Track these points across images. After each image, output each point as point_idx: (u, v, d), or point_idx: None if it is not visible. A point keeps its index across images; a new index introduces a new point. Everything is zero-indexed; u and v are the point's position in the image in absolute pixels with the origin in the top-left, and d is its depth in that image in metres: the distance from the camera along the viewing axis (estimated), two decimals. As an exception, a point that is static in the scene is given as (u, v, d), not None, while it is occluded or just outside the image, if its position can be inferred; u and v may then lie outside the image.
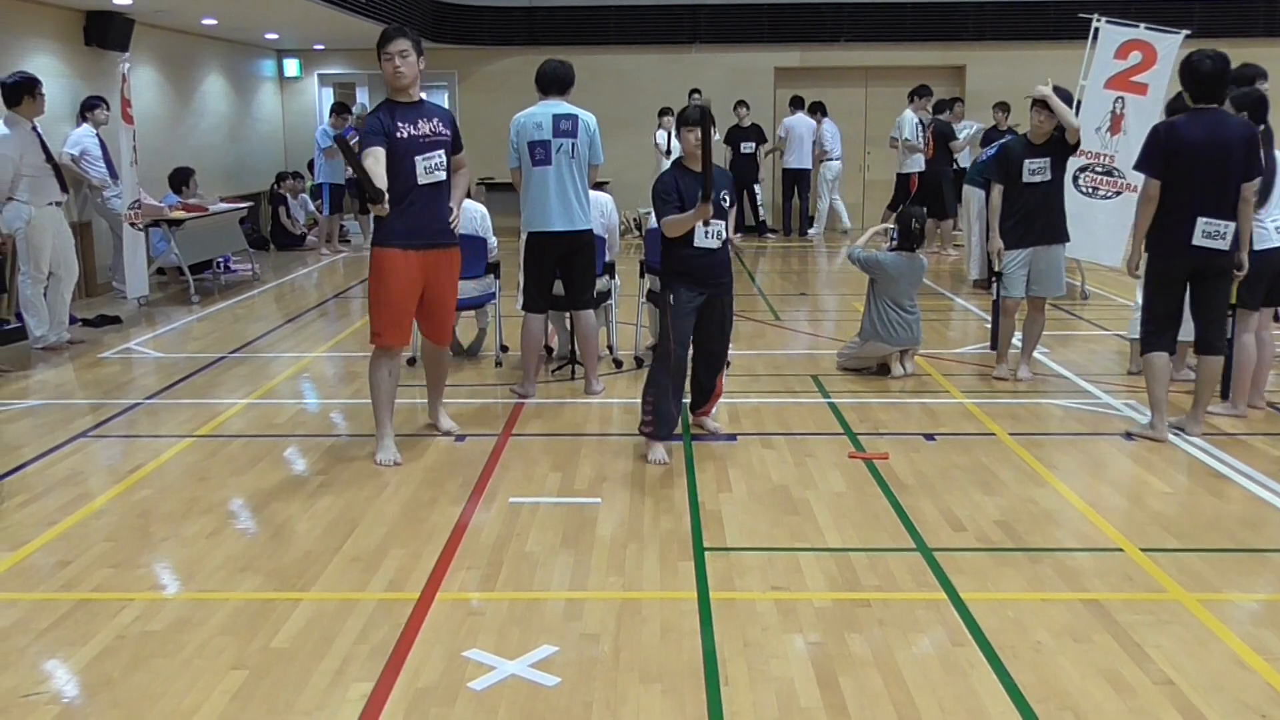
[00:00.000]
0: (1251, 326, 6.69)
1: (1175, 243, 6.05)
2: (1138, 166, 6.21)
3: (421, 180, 5.71)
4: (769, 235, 16.68)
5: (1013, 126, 13.28)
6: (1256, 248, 6.41)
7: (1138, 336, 7.42)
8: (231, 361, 8.50)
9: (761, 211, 16.65)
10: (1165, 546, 4.76)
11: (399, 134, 5.64)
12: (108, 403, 7.26)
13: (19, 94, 8.41)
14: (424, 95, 5.96)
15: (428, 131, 5.74)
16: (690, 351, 6.07)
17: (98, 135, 10.77)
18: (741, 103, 16.27)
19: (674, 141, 13.12)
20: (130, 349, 9.01)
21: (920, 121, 14.62)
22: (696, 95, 15.43)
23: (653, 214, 6.04)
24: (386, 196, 5.48)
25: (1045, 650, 3.82)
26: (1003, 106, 13.71)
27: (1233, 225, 6.02)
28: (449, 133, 5.87)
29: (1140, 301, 6.47)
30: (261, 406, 7.18)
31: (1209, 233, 5.99)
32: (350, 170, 14.61)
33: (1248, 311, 6.66)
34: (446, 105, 17.57)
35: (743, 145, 16.24)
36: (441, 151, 5.77)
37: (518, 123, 6.99)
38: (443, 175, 5.80)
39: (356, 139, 5.77)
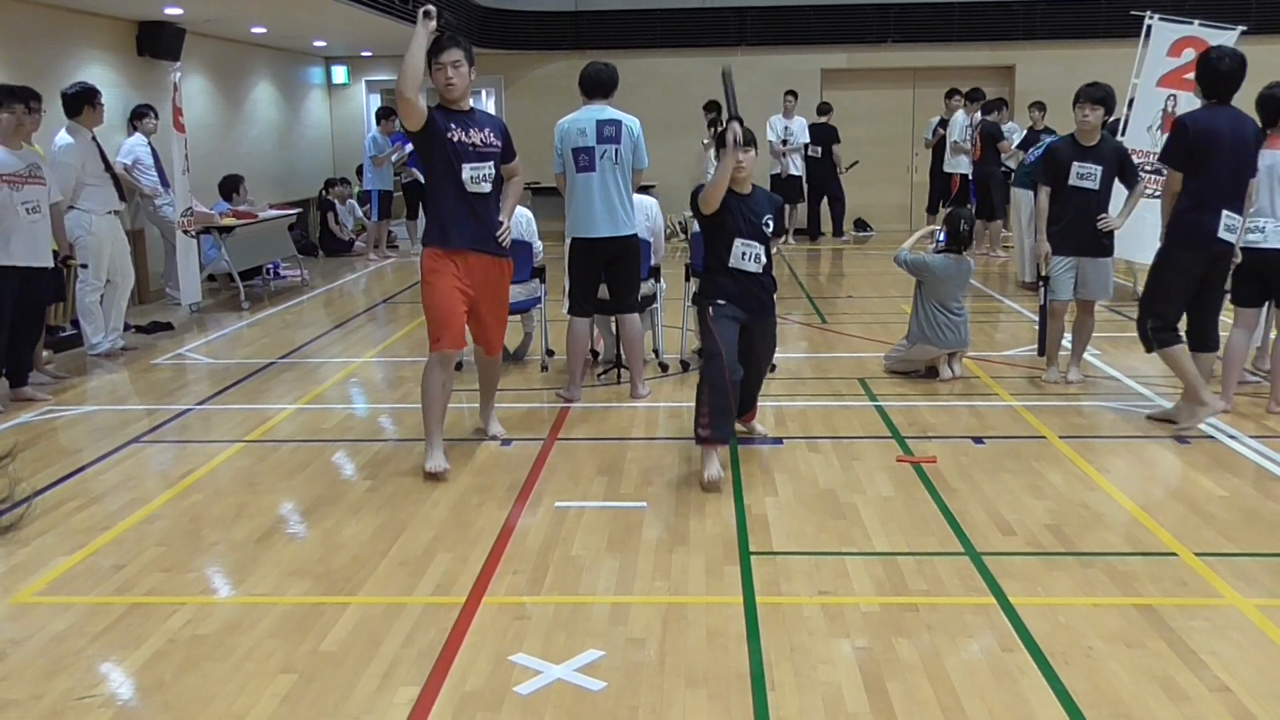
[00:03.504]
0: (1244, 323, 6.78)
1: (1203, 234, 6.13)
2: (1163, 158, 6.31)
3: (469, 189, 5.66)
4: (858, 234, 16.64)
5: (1049, 127, 13.21)
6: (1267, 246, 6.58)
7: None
8: (281, 367, 8.59)
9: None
10: (1221, 550, 4.68)
11: (450, 135, 5.60)
12: (161, 408, 7.35)
13: (79, 104, 8.56)
14: (473, 105, 5.91)
15: (478, 141, 5.69)
16: (736, 360, 5.76)
17: (149, 144, 10.93)
18: (825, 104, 16.24)
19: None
20: (182, 355, 9.12)
21: (969, 123, 14.55)
22: (790, 98, 15.40)
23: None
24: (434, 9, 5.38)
25: (1097, 656, 3.77)
26: (1039, 106, 13.61)
27: (1239, 220, 6.24)
28: (500, 144, 5.81)
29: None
30: (310, 411, 7.25)
31: (1229, 226, 6.19)
32: (400, 173, 14.81)
33: (1243, 309, 6.76)
34: (493, 110, 17.70)
35: (810, 149, 16.07)
36: (491, 163, 5.73)
37: (561, 128, 7.01)
38: (489, 187, 5.73)
39: (409, 149, 5.75)
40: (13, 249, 7.31)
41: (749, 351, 5.82)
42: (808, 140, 15.88)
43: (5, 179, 7.31)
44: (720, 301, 5.68)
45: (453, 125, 5.62)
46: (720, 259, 5.69)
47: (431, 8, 5.37)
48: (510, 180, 5.98)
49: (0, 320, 7.28)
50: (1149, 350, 6.40)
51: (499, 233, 5.81)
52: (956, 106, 14.87)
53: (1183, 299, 6.29)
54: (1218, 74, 6.13)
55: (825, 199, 16.39)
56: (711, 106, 15.07)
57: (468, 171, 5.64)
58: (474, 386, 6.59)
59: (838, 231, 16.51)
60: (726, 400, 5.56)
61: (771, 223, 5.82)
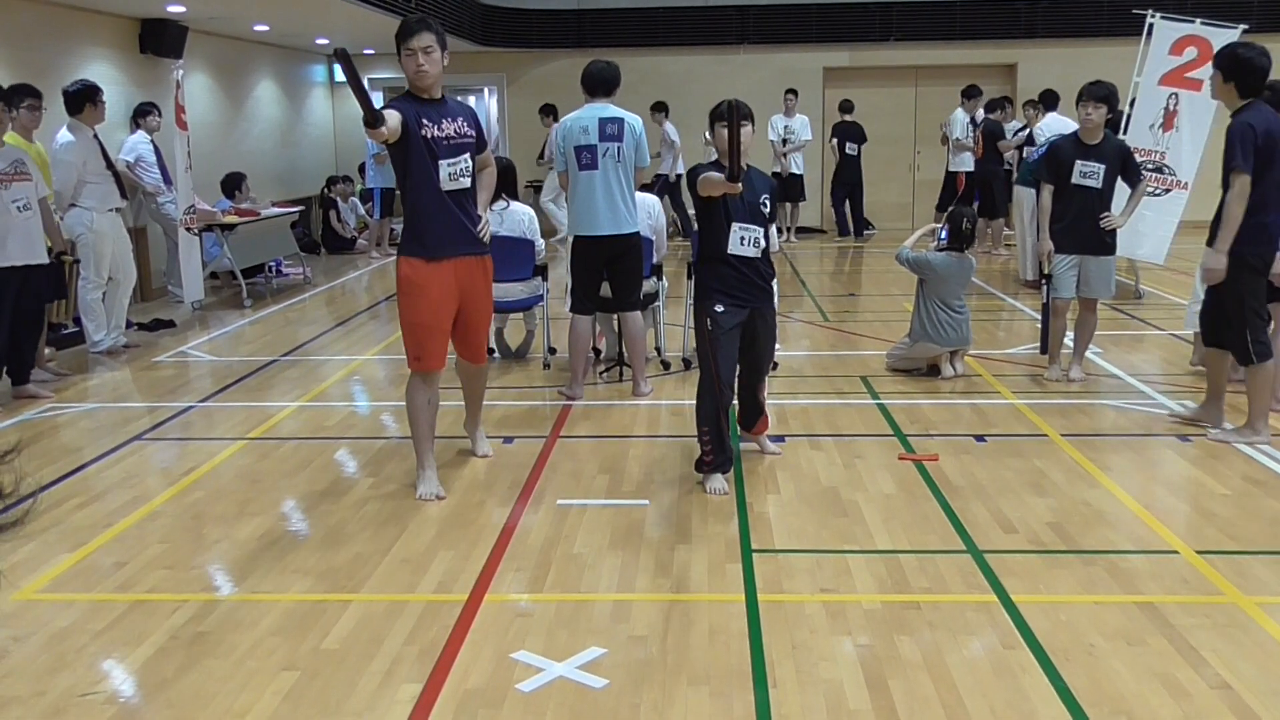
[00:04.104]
0: None
1: (1268, 236, 5.96)
2: (1237, 165, 5.82)
3: (445, 186, 5.22)
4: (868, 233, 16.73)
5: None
6: None
7: (1198, 330, 7.36)
8: (283, 364, 8.59)
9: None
10: (1222, 549, 4.68)
11: (423, 132, 5.14)
12: (163, 405, 7.36)
13: (81, 102, 8.55)
14: (446, 94, 5.44)
15: (452, 133, 5.24)
16: (733, 383, 5.64)
17: (152, 141, 10.93)
18: (848, 102, 16.25)
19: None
20: (184, 352, 9.13)
21: (972, 120, 14.54)
22: (791, 96, 15.43)
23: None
24: (384, 119, 4.84)
25: (1099, 653, 3.77)
26: (1034, 104, 13.58)
27: None
28: (474, 133, 5.36)
29: (1205, 300, 6.30)
30: (313, 409, 7.25)
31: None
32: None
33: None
34: (496, 110, 17.67)
35: (848, 146, 16.14)
36: (467, 155, 5.29)
37: (564, 127, 7.01)
38: (467, 182, 5.32)
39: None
40: (9, 249, 7.29)
41: (751, 346, 5.63)
42: (809, 138, 15.87)
43: None
44: (719, 309, 5.43)
45: (425, 120, 5.16)
46: (718, 247, 5.46)
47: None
48: (483, 171, 5.54)
49: (0, 321, 7.27)
50: (1247, 364, 6.07)
51: (479, 228, 5.42)
52: (972, 108, 14.87)
53: (1264, 298, 6.09)
54: (1256, 70, 5.90)
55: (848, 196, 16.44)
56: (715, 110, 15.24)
57: (444, 169, 5.21)
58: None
59: (858, 232, 16.50)
60: (723, 430, 5.50)
61: (769, 203, 5.58)
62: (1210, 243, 5.98)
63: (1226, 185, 5.90)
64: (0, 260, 7.27)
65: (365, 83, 4.79)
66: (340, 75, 17.59)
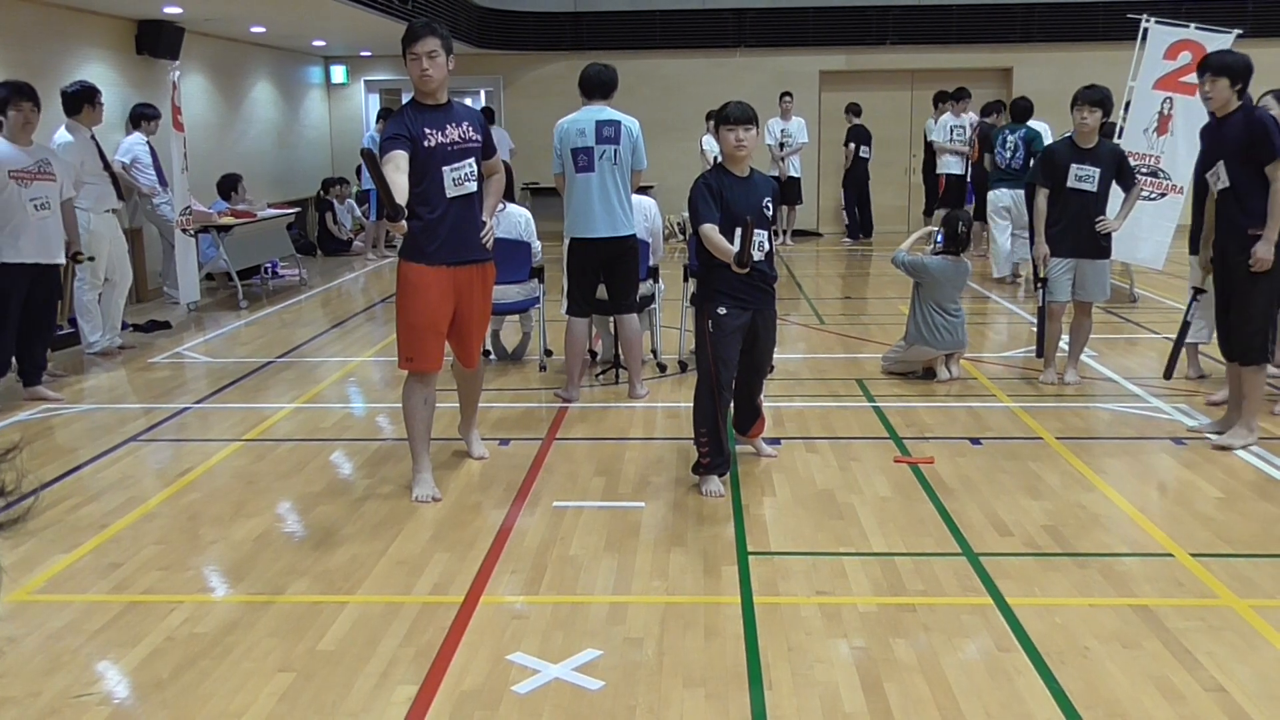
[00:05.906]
0: None
1: None
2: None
3: (450, 193, 5.20)
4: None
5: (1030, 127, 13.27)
6: None
7: (1200, 340, 7.37)
8: (279, 366, 8.59)
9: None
10: (1216, 551, 4.69)
11: (425, 142, 5.13)
12: (158, 407, 7.35)
13: (79, 103, 8.55)
14: (452, 98, 5.44)
15: (456, 138, 5.22)
16: (731, 384, 5.60)
17: (148, 143, 10.92)
18: (853, 105, 16.27)
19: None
20: (180, 354, 9.12)
21: (962, 124, 14.57)
22: (787, 99, 15.45)
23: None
24: (405, 213, 4.81)
25: (1093, 656, 3.78)
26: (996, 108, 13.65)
27: None
28: (479, 138, 5.35)
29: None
30: (308, 411, 7.25)
31: None
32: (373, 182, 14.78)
33: None
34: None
35: (861, 149, 16.17)
36: (472, 160, 5.27)
37: (561, 129, 7.01)
38: (473, 186, 5.29)
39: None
40: (22, 246, 7.29)
41: (750, 348, 5.59)
42: (805, 141, 15.89)
43: (13, 175, 7.29)
44: (721, 310, 5.39)
45: (427, 129, 5.16)
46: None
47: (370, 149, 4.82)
48: (491, 178, 5.53)
49: (8, 317, 7.26)
50: (1250, 364, 6.00)
51: (483, 234, 5.41)
52: (960, 110, 14.89)
53: None
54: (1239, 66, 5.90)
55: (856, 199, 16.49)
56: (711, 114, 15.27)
57: (449, 175, 5.20)
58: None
59: (867, 232, 16.51)
60: (721, 433, 5.48)
61: (771, 206, 5.52)
62: (1194, 251, 5.98)
63: (1233, 180, 5.87)
64: (11, 256, 7.26)
65: (388, 180, 4.73)
66: (337, 78, 17.65)
